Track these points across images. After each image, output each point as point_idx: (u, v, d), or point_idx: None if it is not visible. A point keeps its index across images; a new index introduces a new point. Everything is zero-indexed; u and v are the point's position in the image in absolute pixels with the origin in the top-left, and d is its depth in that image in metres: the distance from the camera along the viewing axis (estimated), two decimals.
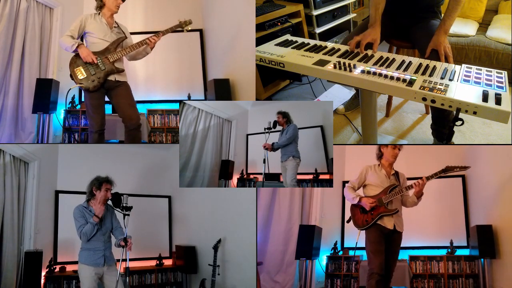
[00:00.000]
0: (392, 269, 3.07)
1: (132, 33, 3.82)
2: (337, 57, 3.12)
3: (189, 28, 3.76)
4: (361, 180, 3.16)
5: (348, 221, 3.25)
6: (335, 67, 2.94)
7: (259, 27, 4.38)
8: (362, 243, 3.14)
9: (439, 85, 2.67)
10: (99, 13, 3.56)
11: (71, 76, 3.48)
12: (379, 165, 3.15)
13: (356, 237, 3.20)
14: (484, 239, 3.80)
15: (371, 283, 2.96)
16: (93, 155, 4.16)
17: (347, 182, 3.25)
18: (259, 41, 3.92)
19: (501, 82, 2.72)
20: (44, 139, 4.43)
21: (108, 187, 2.97)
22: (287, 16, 4.69)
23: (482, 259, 3.87)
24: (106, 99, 3.65)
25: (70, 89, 3.71)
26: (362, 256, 4.22)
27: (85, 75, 3.44)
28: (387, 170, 3.12)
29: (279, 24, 4.59)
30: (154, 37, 3.58)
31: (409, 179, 3.40)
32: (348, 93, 4.71)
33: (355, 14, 5.69)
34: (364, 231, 3.09)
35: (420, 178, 3.02)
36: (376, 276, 2.94)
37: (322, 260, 4.39)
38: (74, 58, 3.48)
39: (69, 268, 3.90)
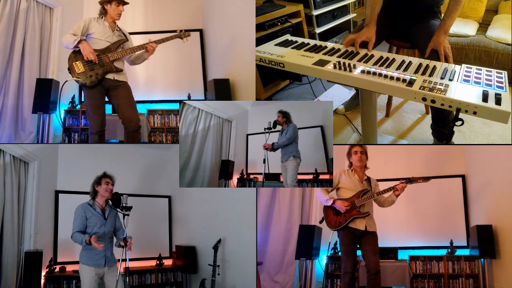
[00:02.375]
0: (376, 267, 3.11)
1: (132, 33, 3.83)
2: (337, 57, 3.12)
3: (187, 40, 3.84)
4: (335, 183, 3.28)
5: (320, 222, 3.36)
6: (335, 67, 2.94)
7: (259, 27, 4.38)
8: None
9: (439, 85, 2.67)
10: (102, 17, 3.61)
11: (68, 70, 3.48)
12: (352, 170, 3.26)
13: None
14: (484, 239, 3.80)
15: (344, 281, 3.15)
16: (93, 155, 4.16)
17: None
18: (259, 41, 3.92)
19: (501, 82, 2.72)
20: (44, 139, 4.43)
21: (108, 180, 3.00)
22: (287, 16, 4.69)
23: (482, 259, 3.88)
24: (106, 99, 3.65)
25: (66, 81, 3.70)
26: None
27: (83, 70, 3.44)
28: (359, 175, 3.23)
29: (279, 24, 4.59)
30: (152, 44, 3.61)
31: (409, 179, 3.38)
32: (348, 93, 4.71)
33: (355, 14, 5.69)
34: (336, 232, 3.24)
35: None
36: (349, 275, 3.12)
37: (322, 260, 4.38)
38: (74, 53, 3.49)
39: (69, 268, 3.91)
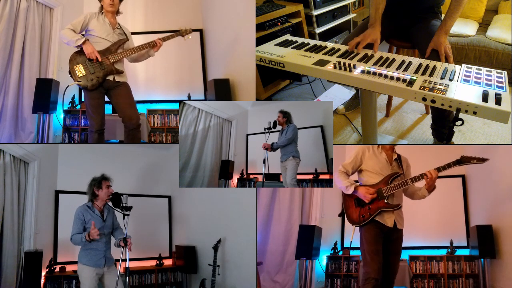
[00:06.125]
0: (394, 272, 2.76)
1: (132, 33, 3.81)
2: (337, 57, 3.12)
3: (189, 37, 3.79)
4: (356, 164, 2.76)
5: (340, 215, 2.87)
6: (335, 67, 2.94)
7: (259, 27, 4.38)
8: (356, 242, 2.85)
9: (439, 85, 2.67)
10: (102, 13, 3.57)
11: (70, 73, 3.47)
12: (378, 146, 2.78)
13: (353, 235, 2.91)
14: (484, 239, 3.80)
15: None
16: (93, 155, 4.16)
17: None
18: (259, 41, 3.92)
19: (501, 82, 2.72)
20: (44, 139, 4.43)
21: (108, 184, 3.00)
22: (287, 16, 4.69)
23: (482, 259, 3.88)
24: (106, 99, 3.65)
25: (68, 86, 3.71)
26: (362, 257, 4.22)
27: (84, 73, 3.44)
28: (388, 154, 2.75)
29: (279, 24, 4.59)
30: (160, 40, 3.60)
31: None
32: (348, 93, 4.71)
33: (355, 14, 5.69)
34: (359, 227, 2.73)
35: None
36: (373, 282, 2.57)
37: (322, 260, 4.39)
38: (75, 55, 3.47)
39: (69, 268, 3.91)
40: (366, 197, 2.64)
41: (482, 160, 2.58)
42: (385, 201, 2.63)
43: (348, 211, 2.76)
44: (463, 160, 2.58)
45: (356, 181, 2.86)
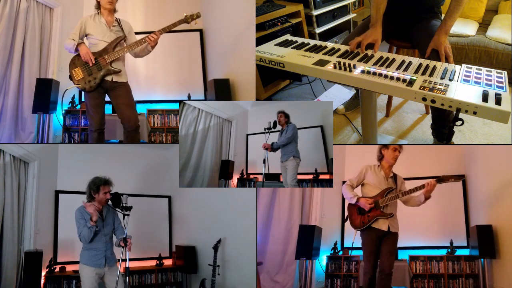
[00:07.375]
0: (390, 268, 3.12)
1: None
2: (337, 57, 3.12)
3: (196, 22, 3.67)
4: (360, 179, 3.21)
5: (345, 220, 3.33)
6: (335, 67, 2.94)
7: (259, 27, 4.38)
8: (358, 242, 3.27)
9: (439, 85, 2.67)
10: (98, 13, 3.57)
11: (70, 77, 3.52)
12: (378, 166, 3.19)
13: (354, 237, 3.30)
14: (484, 239, 3.80)
15: (364, 280, 3.19)
16: (93, 155, 4.16)
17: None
18: (259, 41, 3.92)
19: (501, 82, 2.72)
20: (44, 139, 4.43)
21: (107, 190, 2.96)
22: (287, 16, 4.69)
23: (482, 259, 3.87)
24: (107, 98, 3.66)
25: (67, 89, 3.74)
26: (362, 256, 4.23)
27: (82, 76, 3.47)
28: (386, 172, 3.16)
29: (279, 24, 4.59)
30: (153, 35, 3.53)
31: (409, 179, 3.41)
32: (348, 93, 4.71)
33: (355, 14, 5.69)
34: (359, 231, 3.20)
35: (423, 178, 3.13)
36: (367, 278, 3.13)
37: (322, 260, 4.39)
38: (74, 59, 3.52)
39: (69, 268, 3.91)
40: (365, 206, 3.11)
41: (458, 178, 3.03)
42: (381, 210, 3.09)
43: (351, 217, 3.23)
44: (443, 179, 2.98)
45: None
